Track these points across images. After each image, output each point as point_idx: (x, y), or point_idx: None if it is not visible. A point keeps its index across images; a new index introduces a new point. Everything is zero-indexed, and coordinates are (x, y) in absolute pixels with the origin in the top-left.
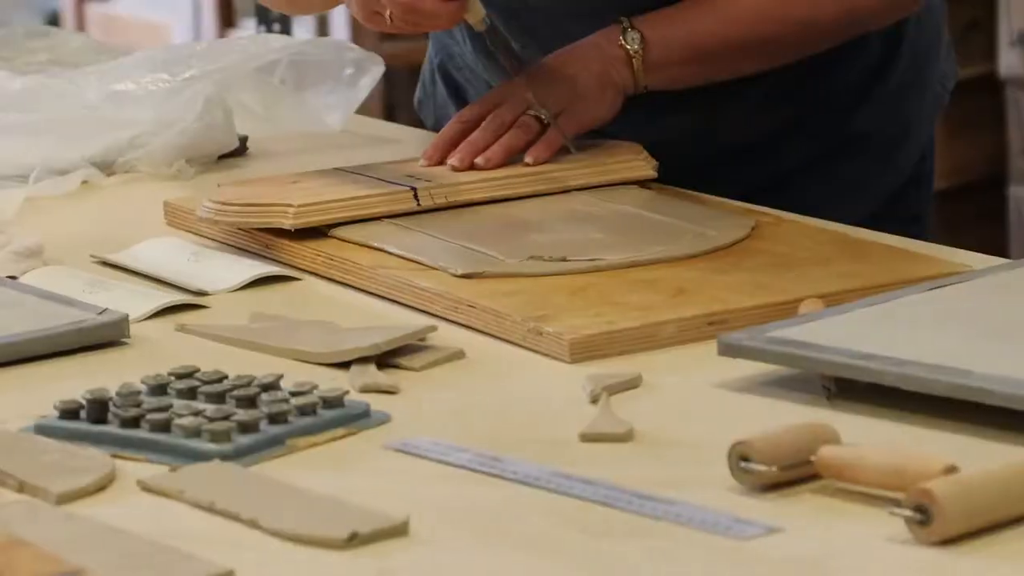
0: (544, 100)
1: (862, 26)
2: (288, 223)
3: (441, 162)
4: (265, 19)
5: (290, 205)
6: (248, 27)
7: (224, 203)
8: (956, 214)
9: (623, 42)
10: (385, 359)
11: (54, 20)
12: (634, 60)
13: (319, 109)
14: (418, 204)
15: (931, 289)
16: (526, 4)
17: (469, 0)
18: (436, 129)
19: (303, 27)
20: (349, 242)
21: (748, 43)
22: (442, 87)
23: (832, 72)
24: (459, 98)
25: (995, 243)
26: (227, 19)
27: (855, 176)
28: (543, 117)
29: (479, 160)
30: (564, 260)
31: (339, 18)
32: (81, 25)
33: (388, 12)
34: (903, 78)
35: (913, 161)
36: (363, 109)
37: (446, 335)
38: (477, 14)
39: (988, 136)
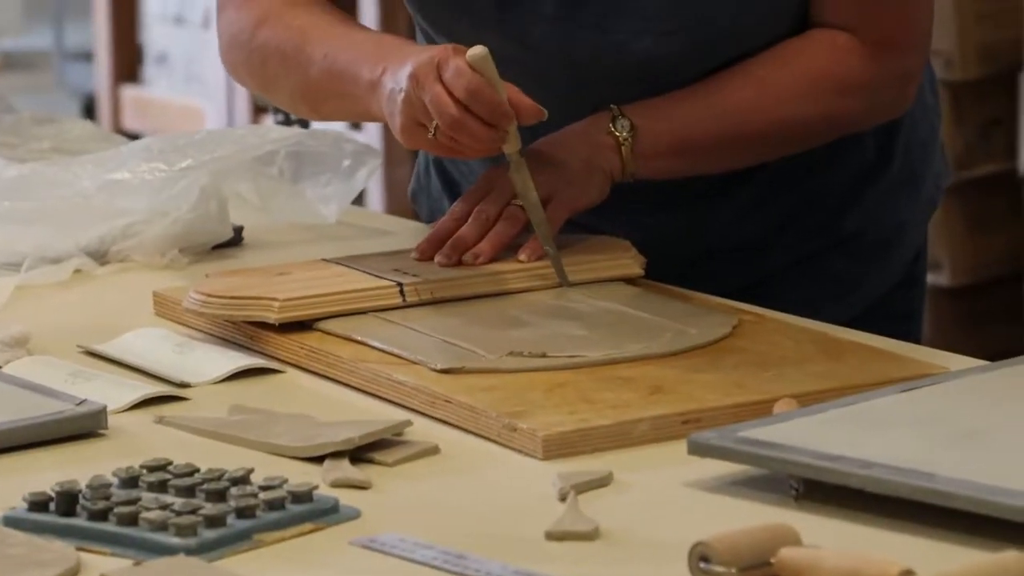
0: (534, 184)
1: (850, 127)
2: (273, 317)
3: (433, 258)
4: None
5: (275, 299)
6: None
7: (210, 295)
8: (975, 311)
9: (612, 129)
10: (359, 453)
11: (90, 103)
12: (623, 147)
13: (315, 200)
14: (404, 300)
15: (904, 391)
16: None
17: (510, 130)
18: (430, 221)
19: None
20: (333, 335)
21: (737, 138)
22: (436, 180)
23: (825, 171)
24: (453, 192)
25: (1015, 340)
26: (260, 104)
27: (847, 276)
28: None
29: (467, 257)
30: (544, 356)
31: None
32: (116, 108)
33: (434, 124)
34: (897, 178)
35: (906, 261)
36: (396, 201)
37: (423, 430)
38: (514, 145)
39: (1008, 233)
